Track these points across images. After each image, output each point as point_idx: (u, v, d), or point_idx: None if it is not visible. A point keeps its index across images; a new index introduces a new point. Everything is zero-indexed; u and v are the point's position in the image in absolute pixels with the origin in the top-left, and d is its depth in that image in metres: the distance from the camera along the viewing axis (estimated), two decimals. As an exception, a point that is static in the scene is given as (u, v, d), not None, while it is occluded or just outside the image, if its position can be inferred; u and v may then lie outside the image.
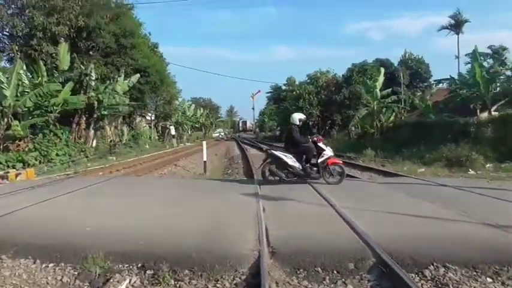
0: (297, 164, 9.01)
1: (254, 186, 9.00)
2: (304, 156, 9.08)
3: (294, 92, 45.01)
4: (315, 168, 9.09)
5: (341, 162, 9.70)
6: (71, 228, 5.34)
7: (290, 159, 9.01)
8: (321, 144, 9.21)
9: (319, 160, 9.05)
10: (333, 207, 6.46)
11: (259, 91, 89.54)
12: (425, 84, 46.22)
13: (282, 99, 61.01)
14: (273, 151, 9.36)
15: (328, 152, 9.16)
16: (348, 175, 13.35)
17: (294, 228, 5.24)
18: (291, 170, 9.04)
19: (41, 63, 18.50)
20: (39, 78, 18.07)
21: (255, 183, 9.60)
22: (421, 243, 4.44)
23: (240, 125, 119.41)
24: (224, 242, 4.61)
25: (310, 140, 9.33)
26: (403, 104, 30.50)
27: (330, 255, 4.12)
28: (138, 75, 25.03)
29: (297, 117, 9.55)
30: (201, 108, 72.25)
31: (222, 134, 76.97)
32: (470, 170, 11.97)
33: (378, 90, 26.10)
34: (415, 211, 6.02)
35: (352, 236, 4.78)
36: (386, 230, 4.99)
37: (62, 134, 18.47)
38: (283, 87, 67.14)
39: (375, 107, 26.04)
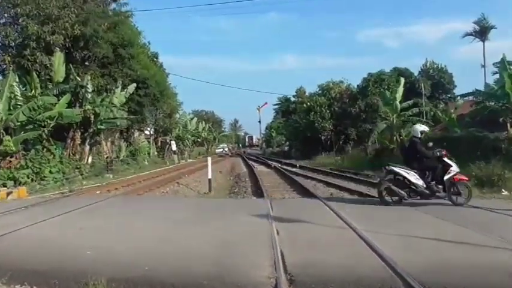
0: (420, 182, 8.80)
1: (265, 207, 8.98)
2: (428, 173, 8.90)
3: (304, 104, 45.20)
4: (440, 186, 8.82)
5: (468, 179, 9.32)
6: (70, 251, 5.35)
7: (413, 176, 8.82)
8: (446, 159, 8.95)
9: (446, 177, 8.75)
10: (354, 230, 6.41)
11: (266, 103, 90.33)
12: (449, 95, 46.16)
13: (291, 112, 61.35)
14: (392, 167, 9.14)
15: (455, 167, 8.89)
16: (366, 195, 13.42)
17: (313, 253, 5.20)
18: (413, 188, 8.83)
19: (35, 74, 18.75)
20: (33, 90, 18.30)
21: (266, 204, 9.57)
22: (455, 271, 4.38)
23: (246, 140, 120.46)
24: (237, 268, 4.58)
25: (438, 154, 9.04)
26: (424, 117, 30.43)
27: (354, 284, 4.08)
28: (134, 84, 25.34)
29: (419, 129, 9.42)
30: (203, 122, 72.66)
31: (226, 149, 77.06)
32: (503, 190, 11.74)
33: (397, 102, 26.05)
34: (446, 236, 5.94)
35: (377, 262, 4.73)
36: (415, 257, 4.93)
37: (56, 149, 18.58)
38: (292, 99, 67.60)
39: (395, 121, 25.96)
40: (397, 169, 9.01)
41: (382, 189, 9.17)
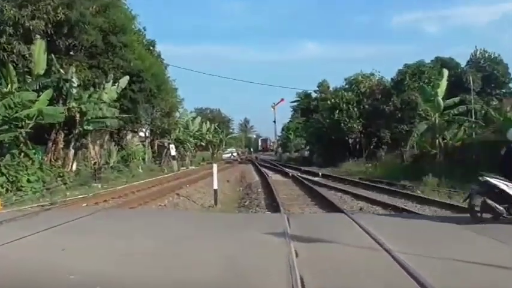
0: None
1: (282, 223, 8.96)
2: None
3: (328, 101, 45.16)
4: None
5: None
6: (51, 275, 5.40)
7: None
8: None
9: None
10: (389, 252, 6.35)
11: (282, 100, 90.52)
12: (504, 90, 45.63)
13: (312, 110, 61.30)
14: (488, 178, 8.96)
15: None
16: (403, 209, 13.31)
17: (338, 280, 5.19)
18: None
19: (11, 66, 19.03)
20: (9, 85, 18.56)
21: (282, 219, 9.55)
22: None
23: (260, 143, 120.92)
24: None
25: None
26: (474, 116, 30.10)
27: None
28: (127, 77, 25.60)
29: None
30: (208, 122, 73.08)
31: (235, 154, 77.39)
32: None
33: (440, 98, 25.87)
34: (502, 262, 5.79)
35: (417, 292, 4.67)
36: (463, 286, 4.88)
37: (35, 154, 18.79)
38: (314, 95, 67.56)
39: (437, 121, 25.76)
40: (494, 181, 8.80)
41: (474, 204, 8.98)
